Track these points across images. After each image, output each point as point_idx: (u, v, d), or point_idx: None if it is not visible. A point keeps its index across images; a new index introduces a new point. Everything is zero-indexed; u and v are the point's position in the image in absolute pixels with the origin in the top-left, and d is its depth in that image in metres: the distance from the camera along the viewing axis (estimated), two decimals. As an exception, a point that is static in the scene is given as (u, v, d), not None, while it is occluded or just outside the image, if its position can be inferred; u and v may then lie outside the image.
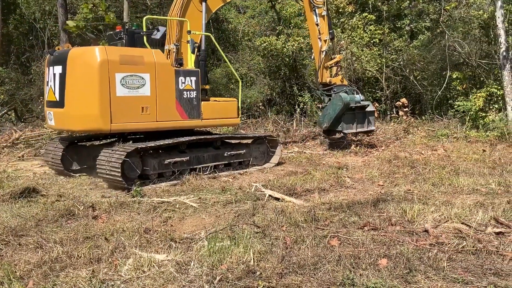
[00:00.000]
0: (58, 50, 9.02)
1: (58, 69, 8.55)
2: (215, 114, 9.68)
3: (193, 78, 9.19)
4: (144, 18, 9.28)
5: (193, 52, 9.36)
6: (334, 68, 12.65)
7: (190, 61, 9.42)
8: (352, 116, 12.09)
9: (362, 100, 12.23)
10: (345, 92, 12.00)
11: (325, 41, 12.21)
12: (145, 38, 9.08)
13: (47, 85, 8.95)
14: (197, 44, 9.49)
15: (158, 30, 9.58)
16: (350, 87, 12.60)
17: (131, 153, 8.03)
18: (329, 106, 12.04)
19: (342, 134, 12.25)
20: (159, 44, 9.50)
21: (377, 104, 17.54)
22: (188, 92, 9.11)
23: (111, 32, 9.82)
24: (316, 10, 12.10)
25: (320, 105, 17.49)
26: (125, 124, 8.37)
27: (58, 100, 8.56)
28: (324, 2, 12.20)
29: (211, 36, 9.86)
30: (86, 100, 8.16)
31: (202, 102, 9.39)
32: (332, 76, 12.51)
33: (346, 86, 12.48)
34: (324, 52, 12.22)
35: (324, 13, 12.17)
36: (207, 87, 10.00)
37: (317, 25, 12.16)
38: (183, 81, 9.03)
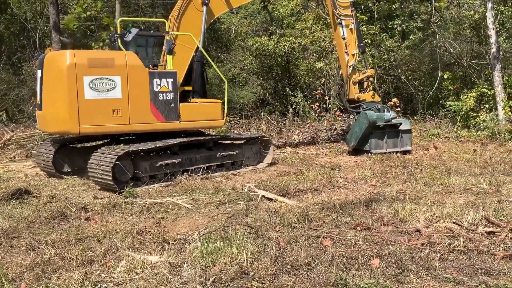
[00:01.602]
0: (41, 54, 9.13)
1: (39, 72, 8.72)
2: (196, 116, 9.49)
3: (170, 80, 9.06)
4: (118, 20, 9.22)
5: (169, 53, 9.26)
6: (365, 84, 11.89)
7: (169, 62, 9.32)
8: (382, 135, 11.30)
9: (393, 118, 11.37)
10: (377, 109, 11.25)
11: (352, 55, 11.62)
12: (119, 40, 9.09)
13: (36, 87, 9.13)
14: (173, 45, 9.36)
15: (130, 32, 9.52)
16: (381, 104, 11.83)
17: (122, 156, 8.01)
18: (356, 124, 11.35)
19: (371, 154, 11.21)
20: (135, 45, 9.46)
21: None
22: (164, 94, 8.98)
23: (115, 33, 9.85)
24: (343, 22, 11.53)
25: (313, 105, 17.55)
26: (95, 127, 8.38)
27: (39, 102, 8.74)
28: (352, 14, 11.62)
29: (191, 36, 9.60)
30: (57, 103, 8.29)
31: (181, 104, 9.24)
32: (362, 92, 11.80)
33: (377, 103, 11.67)
34: (352, 67, 11.61)
35: (352, 26, 11.59)
36: (190, 88, 9.79)
37: (344, 38, 11.60)
38: (158, 82, 8.92)
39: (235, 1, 10.47)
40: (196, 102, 9.78)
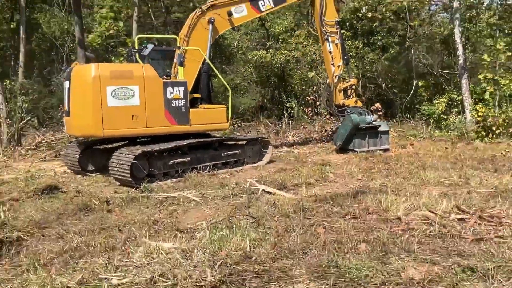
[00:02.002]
0: (68, 67, 9.23)
1: (66, 83, 8.85)
2: (204, 120, 9.47)
3: (181, 88, 9.07)
4: (136, 37, 9.25)
5: (180, 65, 9.31)
6: (349, 91, 12.04)
7: (180, 73, 9.35)
8: (364, 135, 11.42)
9: (373, 121, 11.52)
10: (359, 113, 11.44)
11: (338, 66, 11.78)
12: (136, 54, 9.17)
13: (64, 97, 9.21)
14: (184, 58, 9.40)
15: (146, 48, 9.51)
16: (363, 108, 12.01)
17: (139, 156, 7.99)
18: (342, 126, 11.52)
19: (355, 153, 11.29)
20: (150, 59, 9.46)
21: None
22: (176, 101, 8.98)
23: (132, 49, 9.97)
24: (329, 38, 11.69)
25: (306, 110, 17.52)
26: (116, 130, 8.40)
27: (67, 110, 8.88)
28: (337, 31, 11.78)
29: (200, 50, 9.58)
30: (84, 110, 8.35)
31: (191, 109, 9.22)
32: (346, 98, 11.94)
33: (359, 107, 11.87)
34: (337, 76, 11.75)
35: (337, 41, 11.74)
36: (198, 95, 9.80)
37: (330, 52, 11.76)
38: (171, 91, 8.92)
39: (236, 20, 10.40)
40: (204, 108, 9.76)
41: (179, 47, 9.44)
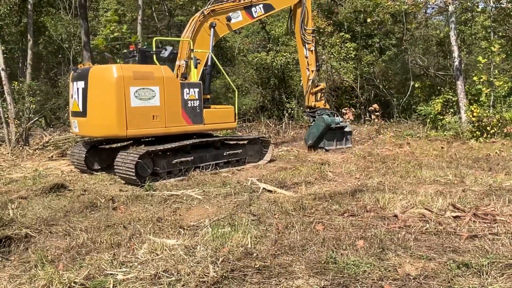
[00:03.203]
0: (81, 68, 9.01)
1: (81, 84, 8.57)
2: (215, 120, 9.61)
3: (196, 89, 9.14)
4: (154, 39, 9.25)
5: (195, 67, 9.35)
6: (319, 94, 12.64)
7: (193, 75, 9.40)
8: (333, 135, 12.09)
9: (341, 122, 12.30)
10: (327, 115, 12.03)
11: (312, 71, 12.23)
12: (154, 56, 9.05)
13: (72, 97, 8.99)
14: (199, 61, 9.48)
15: (165, 50, 9.51)
16: (331, 110, 12.70)
17: (143, 155, 7.99)
18: (314, 126, 12.03)
19: (324, 150, 11.96)
20: (167, 61, 9.45)
21: (353, 109, 17.59)
22: (192, 102, 9.05)
23: (125, 51, 9.78)
24: (306, 45, 12.15)
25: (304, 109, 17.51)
26: (139, 130, 8.33)
27: (81, 110, 8.58)
28: (313, 39, 12.28)
29: (211, 54, 9.86)
30: (107, 111, 8.15)
31: (204, 110, 9.34)
32: (317, 101, 12.54)
33: (328, 109, 12.55)
34: (311, 80, 12.24)
35: (312, 48, 12.21)
36: (208, 96, 9.97)
37: (306, 57, 12.21)
38: (188, 92, 8.97)
39: (233, 25, 10.63)
40: (215, 108, 9.87)
41: (192, 50, 9.54)
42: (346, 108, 16.68)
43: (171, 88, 8.67)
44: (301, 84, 13.78)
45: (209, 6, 10.09)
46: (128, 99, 8.07)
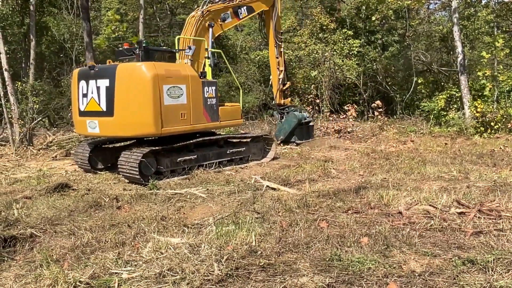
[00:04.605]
0: (101, 66, 8.76)
1: (102, 82, 8.27)
2: (227, 117, 9.76)
3: (213, 88, 9.26)
4: (177, 38, 9.32)
5: (214, 65, 9.52)
6: (287, 92, 13.51)
7: (209, 74, 9.53)
8: (301, 129, 12.89)
9: (307, 117, 13.28)
10: (297, 111, 12.98)
11: (281, 71, 12.96)
12: (177, 55, 9.16)
13: (84, 96, 8.61)
14: (217, 60, 9.62)
15: (190, 48, 9.45)
16: (298, 107, 13.95)
17: (147, 154, 7.99)
18: (285, 122, 12.77)
19: (295, 144, 12.71)
20: (170, 59, 9.46)
21: (355, 106, 17.56)
22: (210, 99, 9.18)
23: (121, 49, 9.64)
24: (277, 47, 12.86)
25: (308, 108, 17.48)
26: (171, 128, 8.36)
27: (105, 110, 8.25)
28: (282, 40, 13.29)
29: (222, 53, 10.17)
30: (141, 109, 8.00)
31: (219, 107, 9.48)
32: (285, 98, 13.33)
33: (294, 106, 13.80)
34: (280, 79, 12.96)
35: (282, 49, 13.14)
36: (219, 95, 10.11)
37: (277, 58, 12.93)
38: (207, 90, 9.09)
39: (225, 25, 10.89)
40: (227, 106, 9.99)
41: (207, 49, 9.66)
42: (348, 105, 16.68)
43: (195, 86, 8.76)
44: (270, 84, 14.62)
45: (206, 7, 10.24)
46: (162, 97, 8.07)
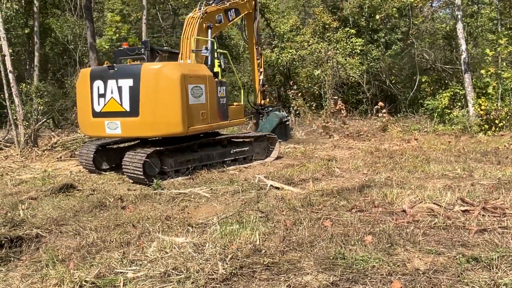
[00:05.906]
0: (124, 65, 8.69)
1: (126, 82, 8.09)
2: (234, 116, 9.84)
3: (224, 87, 9.41)
4: (193, 38, 9.32)
5: (220, 66, 9.54)
6: (266, 93, 14.04)
7: (219, 74, 9.59)
8: (280, 128, 13.07)
9: (286, 117, 13.76)
10: (277, 111, 13.38)
11: (261, 72, 13.33)
12: (194, 55, 9.21)
13: (102, 97, 8.39)
14: (226, 60, 9.80)
15: (206, 49, 9.46)
16: (277, 106, 14.52)
17: (151, 154, 8.02)
18: (267, 121, 13.02)
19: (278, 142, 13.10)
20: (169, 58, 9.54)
21: (358, 104, 17.54)
22: (222, 99, 9.28)
23: (120, 48, 9.63)
24: (259, 48, 13.22)
25: (311, 107, 17.47)
26: (195, 128, 8.45)
27: (128, 110, 8.09)
28: (262, 43, 13.72)
29: (227, 54, 10.19)
30: (167, 109, 7.99)
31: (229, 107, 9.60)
32: (264, 99, 13.69)
33: (273, 106, 14.45)
34: (260, 80, 13.32)
35: (262, 52, 13.68)
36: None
37: (258, 59, 13.23)
38: (220, 90, 9.18)
39: (220, 27, 11.04)
40: (233, 105, 10.06)
41: (216, 49, 9.76)
42: (341, 104, 16.81)
43: (211, 86, 8.85)
44: (251, 83, 14.92)
45: (204, 8, 10.28)
46: (188, 97, 8.15)
